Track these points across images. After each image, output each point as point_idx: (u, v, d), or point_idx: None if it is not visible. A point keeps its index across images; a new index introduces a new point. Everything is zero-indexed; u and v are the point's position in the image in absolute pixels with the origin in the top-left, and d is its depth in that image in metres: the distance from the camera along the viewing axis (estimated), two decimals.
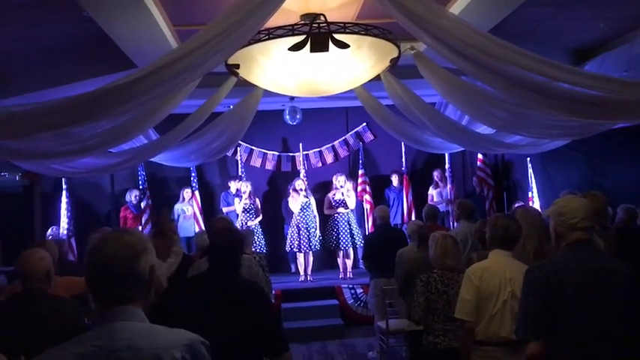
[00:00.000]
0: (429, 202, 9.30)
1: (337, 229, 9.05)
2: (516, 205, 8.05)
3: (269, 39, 4.69)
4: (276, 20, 4.34)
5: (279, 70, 5.32)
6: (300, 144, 10.03)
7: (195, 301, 2.74)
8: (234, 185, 9.46)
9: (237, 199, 9.16)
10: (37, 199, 8.99)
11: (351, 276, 9.07)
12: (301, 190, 8.98)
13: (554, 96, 4.34)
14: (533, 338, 2.51)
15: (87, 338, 1.63)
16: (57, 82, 6.38)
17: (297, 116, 9.26)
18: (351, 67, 5.38)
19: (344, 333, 7.73)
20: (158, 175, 10.01)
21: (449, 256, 4.00)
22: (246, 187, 9.11)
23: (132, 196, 9.32)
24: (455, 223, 7.91)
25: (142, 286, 1.68)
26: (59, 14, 5.17)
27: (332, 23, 4.70)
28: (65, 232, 8.80)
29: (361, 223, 9.83)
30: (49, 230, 8.42)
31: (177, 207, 9.47)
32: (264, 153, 10.32)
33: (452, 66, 5.00)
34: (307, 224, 8.94)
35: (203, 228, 8.94)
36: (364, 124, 10.32)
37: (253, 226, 8.86)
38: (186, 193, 9.54)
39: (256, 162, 10.28)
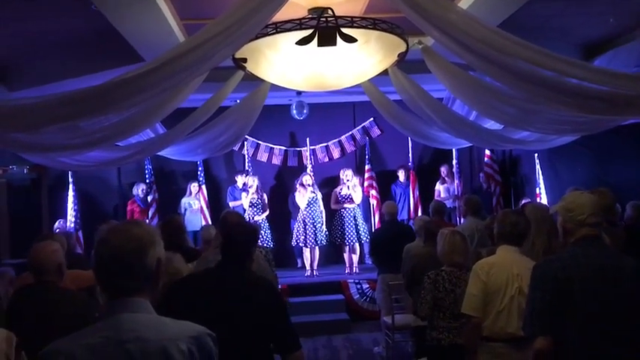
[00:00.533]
0: (436, 198, 9.29)
1: (343, 224, 9.04)
2: (523, 201, 8.03)
3: (276, 33, 4.69)
4: (283, 14, 4.33)
5: (286, 64, 5.31)
6: (307, 139, 10.02)
7: (204, 295, 2.73)
8: (240, 179, 9.47)
9: (244, 194, 9.17)
10: (44, 192, 9.03)
11: (357, 271, 9.07)
12: (308, 185, 8.97)
13: (563, 91, 4.31)
14: (540, 334, 2.50)
15: (95, 329, 1.65)
16: (65, 76, 6.40)
17: (304, 111, 9.25)
18: (359, 61, 5.36)
19: (350, 328, 7.74)
20: (165, 168, 10.04)
21: (457, 253, 3.98)
22: (252, 181, 9.13)
23: (139, 190, 9.35)
24: (461, 219, 7.89)
25: (149, 278, 1.69)
26: (68, 8, 5.17)
27: (340, 17, 4.68)
28: (72, 225, 8.84)
29: (367, 218, 9.82)
30: (57, 223, 8.46)
31: (184, 201, 9.49)
32: (271, 148, 10.32)
33: (460, 61, 4.97)
34: (314, 219, 8.94)
35: (210, 222, 8.96)
36: (371, 119, 10.30)
37: (260, 221, 8.86)
38: (193, 187, 9.55)
39: (263, 157, 10.29)
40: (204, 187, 9.65)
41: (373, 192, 9.94)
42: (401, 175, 9.93)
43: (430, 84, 6.47)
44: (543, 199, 8.70)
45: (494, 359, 3.21)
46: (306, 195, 8.93)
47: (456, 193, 9.64)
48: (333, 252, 10.01)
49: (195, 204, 9.48)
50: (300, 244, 9.06)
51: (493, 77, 4.87)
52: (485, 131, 7.01)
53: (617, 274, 2.51)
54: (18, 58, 6.40)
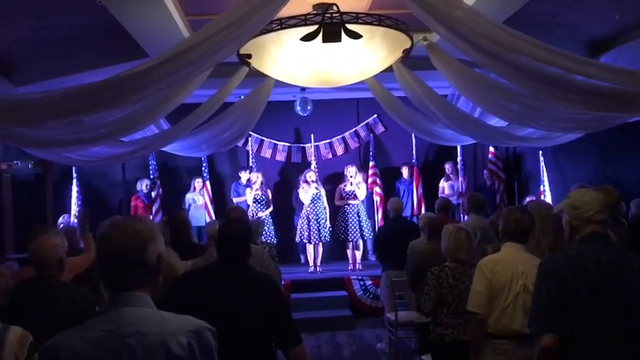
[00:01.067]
0: (441, 195, 9.29)
1: (346, 221, 9.04)
2: (528, 198, 8.01)
3: (281, 29, 4.68)
4: (288, 10, 4.33)
5: (290, 60, 5.31)
6: (312, 135, 10.02)
7: (203, 292, 2.73)
8: (244, 175, 9.48)
9: (248, 190, 9.18)
10: (49, 188, 9.05)
11: (361, 268, 9.07)
12: (312, 181, 8.98)
13: (569, 88, 4.30)
14: (546, 331, 2.49)
15: (96, 323, 1.67)
16: (70, 71, 6.41)
17: (308, 107, 9.25)
18: (363, 57, 5.35)
19: (353, 324, 7.75)
20: (169, 164, 10.06)
21: (461, 249, 3.97)
22: (256, 177, 9.14)
23: (143, 186, 9.37)
24: (465, 216, 7.88)
25: (149, 274, 1.72)
26: (72, 3, 5.18)
27: (345, 13, 4.67)
28: (76, 220, 8.86)
29: (371, 215, 9.81)
30: (61, 218, 8.48)
31: (189, 196, 9.50)
32: (275, 144, 10.32)
33: (465, 58, 4.96)
34: (317, 215, 8.95)
35: (214, 217, 8.98)
36: (375, 115, 10.28)
37: (263, 217, 8.87)
38: (197, 182, 9.56)
39: (267, 153, 10.28)
40: (208, 182, 9.66)
41: (377, 189, 9.93)
42: (405, 171, 9.92)
43: (435, 81, 6.45)
44: (547, 197, 8.67)
45: (498, 356, 3.21)
46: (309, 191, 8.94)
47: (460, 190, 9.63)
48: (336, 248, 10.03)
49: (199, 200, 9.49)
50: (304, 240, 9.07)
51: (498, 74, 4.85)
52: (489, 128, 7.00)
53: (624, 271, 2.50)
54: (23, 53, 6.41)
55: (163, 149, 7.53)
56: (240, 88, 6.59)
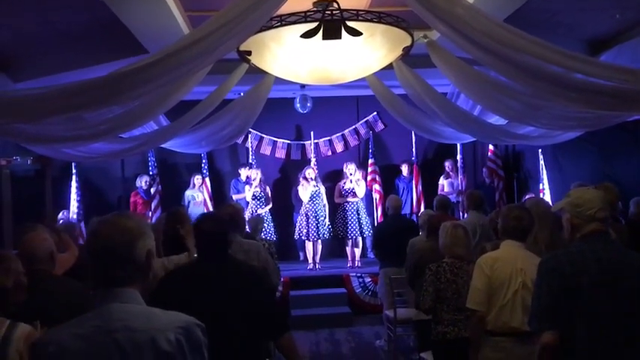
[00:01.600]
0: (440, 192, 9.29)
1: (346, 218, 9.05)
2: (527, 196, 8.01)
3: (281, 26, 4.67)
4: (288, 7, 4.31)
5: (290, 57, 5.29)
6: (311, 132, 10.01)
7: (184, 290, 2.73)
8: (244, 172, 9.47)
9: (247, 187, 9.18)
10: (48, 184, 9.04)
11: (360, 265, 9.08)
12: (311, 178, 8.98)
13: (569, 87, 4.29)
14: (546, 329, 2.49)
15: (85, 319, 1.69)
16: (69, 67, 6.39)
17: (308, 104, 9.24)
18: (364, 55, 5.34)
19: (351, 321, 7.76)
20: (169, 161, 10.05)
21: (458, 245, 3.98)
22: (256, 174, 9.14)
23: (142, 182, 9.36)
24: (464, 214, 7.88)
25: (138, 270, 1.73)
26: None
27: (345, 10, 4.66)
28: (75, 216, 8.87)
29: (370, 212, 9.81)
30: (60, 214, 8.48)
31: (188, 193, 9.49)
32: (275, 141, 10.32)
33: (465, 55, 4.95)
34: (316, 213, 8.95)
35: None
36: (375, 113, 10.28)
37: (263, 214, 8.87)
38: (197, 179, 9.55)
39: (266, 150, 10.28)
40: (207, 179, 9.66)
41: (376, 186, 9.93)
42: (404, 169, 9.93)
43: (435, 78, 6.45)
44: (547, 195, 8.67)
45: (497, 353, 3.21)
46: (309, 188, 8.94)
47: (459, 188, 9.63)
48: (335, 245, 10.03)
49: (198, 196, 9.48)
50: (303, 237, 9.08)
51: (499, 72, 4.85)
52: (489, 126, 7.00)
53: (624, 269, 2.50)
54: (22, 49, 6.39)
55: (163, 146, 7.52)
56: (240, 85, 6.57)
